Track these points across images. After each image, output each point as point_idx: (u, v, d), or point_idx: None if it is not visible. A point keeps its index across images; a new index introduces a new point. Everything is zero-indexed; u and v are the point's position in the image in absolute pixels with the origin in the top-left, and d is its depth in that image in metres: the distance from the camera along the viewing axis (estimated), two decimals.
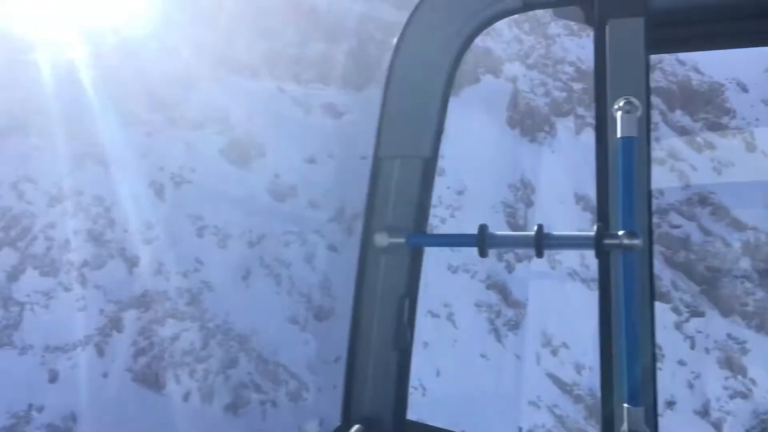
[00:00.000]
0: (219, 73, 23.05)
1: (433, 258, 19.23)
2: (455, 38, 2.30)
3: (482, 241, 2.14)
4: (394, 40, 2.39)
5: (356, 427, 2.32)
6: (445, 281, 18.96)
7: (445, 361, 17.39)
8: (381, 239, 2.34)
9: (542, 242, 2.07)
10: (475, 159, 21.50)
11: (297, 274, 18.40)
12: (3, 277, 16.04)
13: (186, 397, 15.50)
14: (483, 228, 2.16)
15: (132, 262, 17.29)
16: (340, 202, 19.81)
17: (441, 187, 20.91)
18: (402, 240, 2.34)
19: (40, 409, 14.34)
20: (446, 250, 19.23)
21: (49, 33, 22.01)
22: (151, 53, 22.67)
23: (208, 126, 21.22)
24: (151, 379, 15.54)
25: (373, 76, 23.64)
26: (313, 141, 21.63)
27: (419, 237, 2.44)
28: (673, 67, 25.36)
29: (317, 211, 19.79)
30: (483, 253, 2.14)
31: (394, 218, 2.39)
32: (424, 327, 17.19)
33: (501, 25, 25.77)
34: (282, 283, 18.15)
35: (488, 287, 19.49)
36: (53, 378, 14.88)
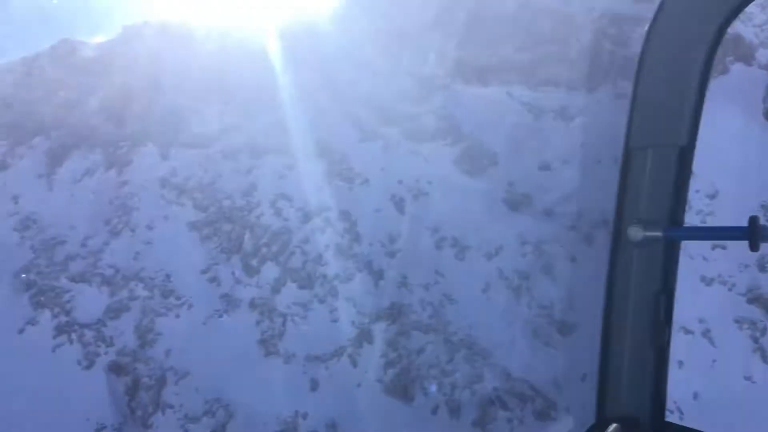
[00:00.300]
0: (448, 82, 23.28)
1: (683, 267, 17.87)
2: (710, 21, 2.16)
3: (755, 233, 1.94)
4: (646, 28, 2.29)
5: (613, 426, 2.28)
6: (699, 294, 17.48)
7: (704, 383, 16.01)
8: (635, 233, 2.25)
9: None
10: (727, 158, 19.55)
11: (536, 286, 17.99)
12: (267, 290, 17.47)
13: (435, 410, 15.81)
14: (755, 219, 1.99)
15: (378, 275, 17.99)
16: (578, 210, 19.07)
17: (689, 191, 19.36)
18: (658, 233, 2.24)
19: (305, 416, 15.43)
20: (698, 259, 17.81)
21: (289, 56, 23.63)
22: (384, 68, 23.49)
23: (440, 137, 21.52)
24: (400, 391, 16.05)
25: (608, 75, 22.49)
26: (546, 146, 21.04)
27: (677, 230, 2.35)
28: None
29: (554, 220, 19.19)
30: (755, 247, 1.95)
31: (648, 211, 2.30)
32: (677, 344, 15.96)
33: (752, 7, 23.29)
34: (521, 296, 17.84)
35: (750, 301, 17.64)
36: (314, 386, 15.92)
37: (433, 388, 16.41)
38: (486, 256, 18.46)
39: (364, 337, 16.87)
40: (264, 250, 18.13)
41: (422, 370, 16.38)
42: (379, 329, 17.08)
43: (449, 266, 18.31)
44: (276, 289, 17.54)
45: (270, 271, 17.86)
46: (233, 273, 17.82)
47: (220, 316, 17.01)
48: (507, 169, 20.50)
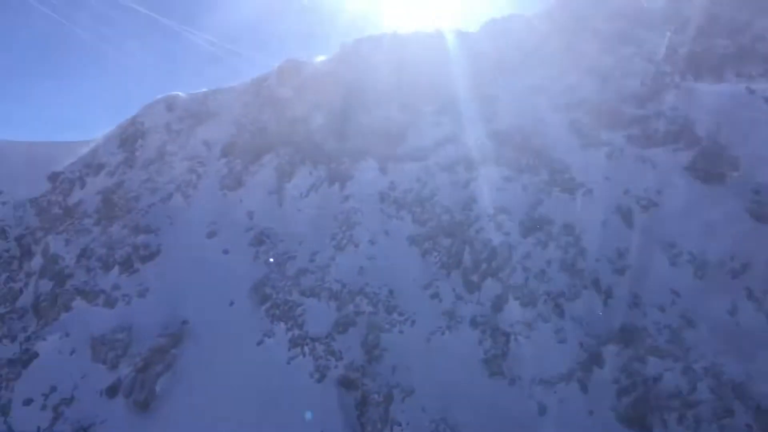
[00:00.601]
0: (678, 80, 21.36)
1: None
2: None
3: None
4: None
5: None
6: None
7: None
8: None
9: None
10: None
11: None
12: (489, 308, 17.06)
13: None
14: None
15: (606, 293, 16.86)
16: None
17: None
18: None
19: None
20: None
21: (503, 63, 23.01)
22: (605, 68, 22.12)
23: (670, 141, 19.75)
24: (636, 422, 14.86)
25: None
26: None
27: None
28: None
29: None
30: None
31: None
32: None
33: None
34: None
35: None
36: (542, 411, 15.23)
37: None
38: (731, 273, 16.61)
39: (594, 360, 15.88)
40: (484, 265, 17.75)
41: (661, 399, 15.06)
42: (610, 352, 15.99)
43: (687, 285, 16.70)
44: (498, 307, 17.09)
45: (491, 288, 17.45)
46: (454, 289, 17.64)
47: (443, 333, 16.89)
48: (751, 175, 18.36)
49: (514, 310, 16.99)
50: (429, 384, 16.02)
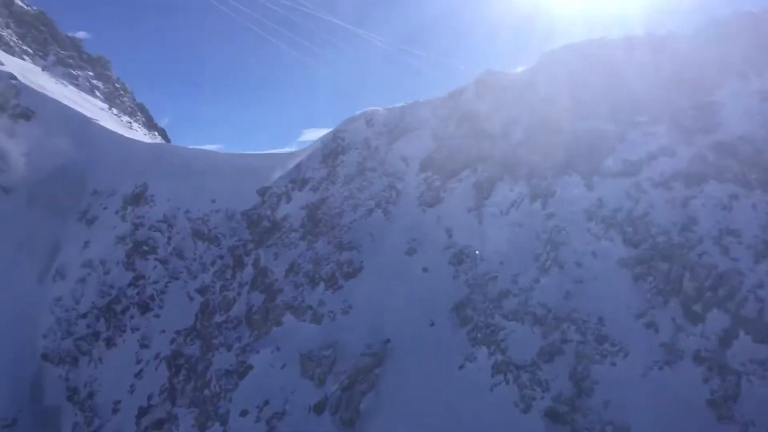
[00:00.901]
0: None
1: None
2: None
3: None
4: None
5: None
6: None
7: None
8: None
9: None
10: None
11: None
12: (715, 342, 15.37)
13: None
14: None
15: None
16: None
17: None
18: None
19: None
20: None
21: (719, 66, 20.81)
22: None
23: None
24: None
25: None
26: None
27: None
28: None
29: None
30: None
31: None
32: None
33: None
34: None
35: None
36: None
37: None
38: None
39: None
40: (708, 294, 16.01)
41: None
42: None
43: None
44: (726, 342, 15.32)
45: (717, 320, 15.69)
46: (673, 319, 16.11)
47: (660, 368, 15.48)
48: None
49: (745, 346, 15.12)
50: (647, 424, 14.73)
